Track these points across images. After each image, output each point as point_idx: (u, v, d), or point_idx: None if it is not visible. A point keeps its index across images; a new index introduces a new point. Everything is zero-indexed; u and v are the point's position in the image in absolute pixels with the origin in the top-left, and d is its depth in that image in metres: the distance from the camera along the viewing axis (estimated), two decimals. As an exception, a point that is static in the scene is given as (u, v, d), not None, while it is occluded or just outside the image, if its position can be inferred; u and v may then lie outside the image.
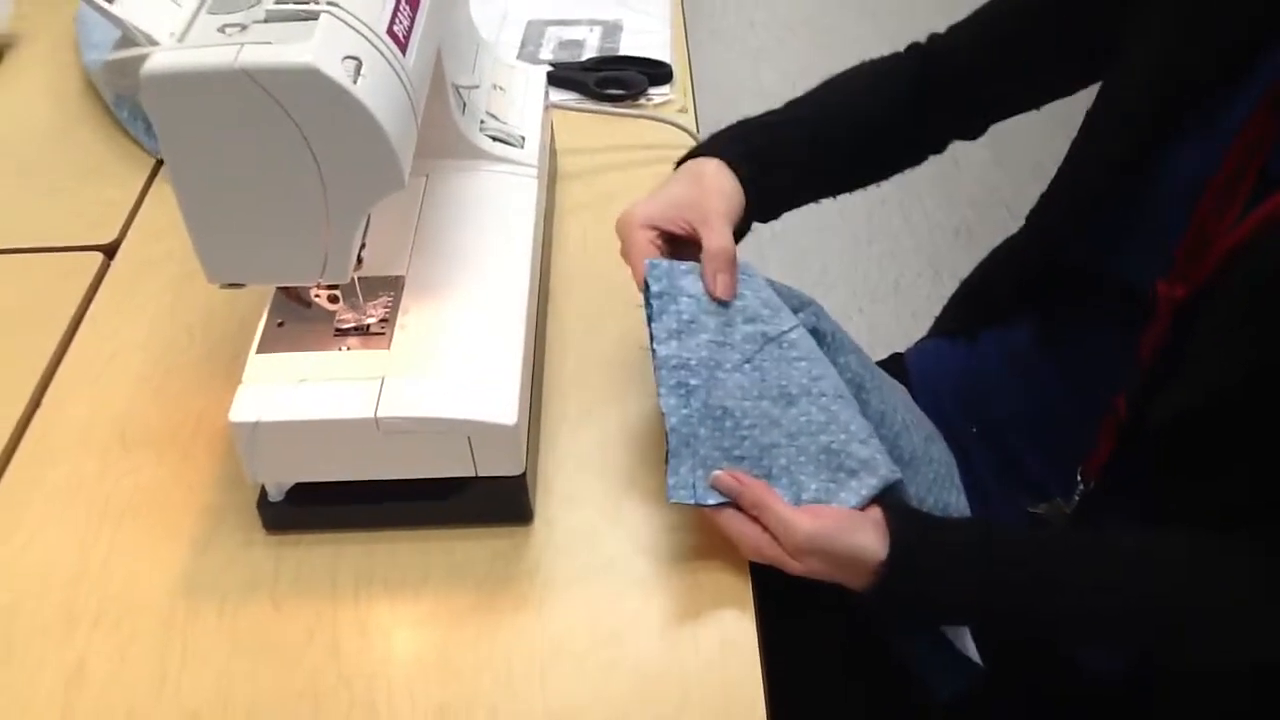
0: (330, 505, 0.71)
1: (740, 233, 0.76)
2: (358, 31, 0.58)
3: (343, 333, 0.71)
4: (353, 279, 0.69)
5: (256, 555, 0.71)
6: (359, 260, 0.68)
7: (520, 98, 0.92)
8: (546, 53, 1.15)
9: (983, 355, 0.97)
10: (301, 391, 0.67)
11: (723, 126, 0.81)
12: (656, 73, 1.10)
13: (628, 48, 1.15)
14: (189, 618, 0.68)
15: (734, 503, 0.68)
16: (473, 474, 0.69)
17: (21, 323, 0.88)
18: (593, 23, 1.19)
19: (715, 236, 0.71)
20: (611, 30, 1.18)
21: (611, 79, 1.09)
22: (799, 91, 0.85)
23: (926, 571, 0.67)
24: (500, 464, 0.69)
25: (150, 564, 0.71)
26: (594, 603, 0.69)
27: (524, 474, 0.70)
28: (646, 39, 1.16)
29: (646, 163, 1.02)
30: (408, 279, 0.74)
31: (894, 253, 2.30)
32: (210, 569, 0.71)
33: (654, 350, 0.69)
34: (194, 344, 0.86)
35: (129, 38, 0.57)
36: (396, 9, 0.63)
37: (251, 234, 0.61)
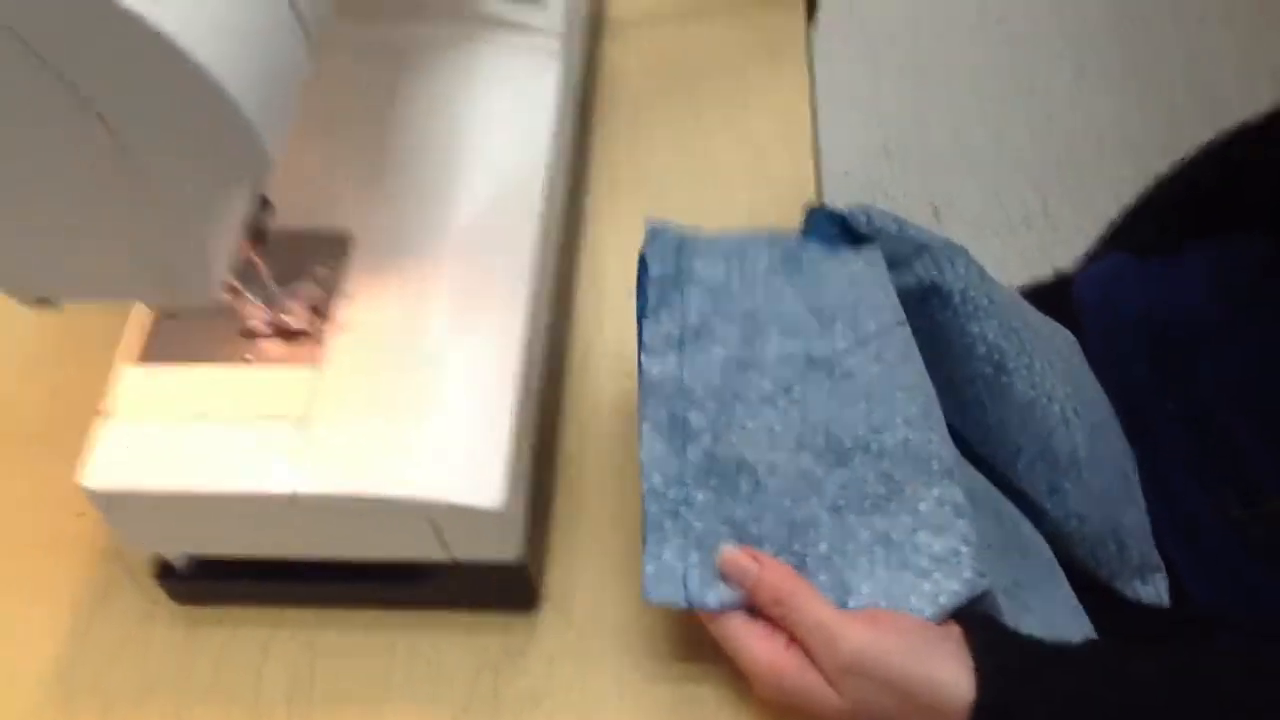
0: (253, 580, 0.49)
1: None
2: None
3: (253, 332, 0.47)
4: (258, 256, 0.45)
5: (158, 638, 0.50)
6: (264, 208, 0.43)
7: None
8: None
9: (1188, 280, 0.69)
10: (186, 440, 0.44)
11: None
12: None
13: None
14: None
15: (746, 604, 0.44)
16: (446, 559, 0.46)
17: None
18: None
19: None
20: None
21: None
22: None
23: None
24: (485, 549, 0.46)
25: (10, 641, 0.51)
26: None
27: (523, 559, 0.47)
28: None
29: (723, 5, 0.72)
30: (357, 237, 0.50)
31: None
32: (93, 657, 0.50)
33: (641, 366, 0.45)
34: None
35: None
36: None
37: (41, 235, 0.37)
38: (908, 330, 0.48)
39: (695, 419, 0.45)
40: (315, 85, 0.51)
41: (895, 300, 0.49)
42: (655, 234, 0.46)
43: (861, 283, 0.48)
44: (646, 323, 0.46)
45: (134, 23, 0.29)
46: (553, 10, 0.59)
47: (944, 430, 0.46)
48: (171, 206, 0.35)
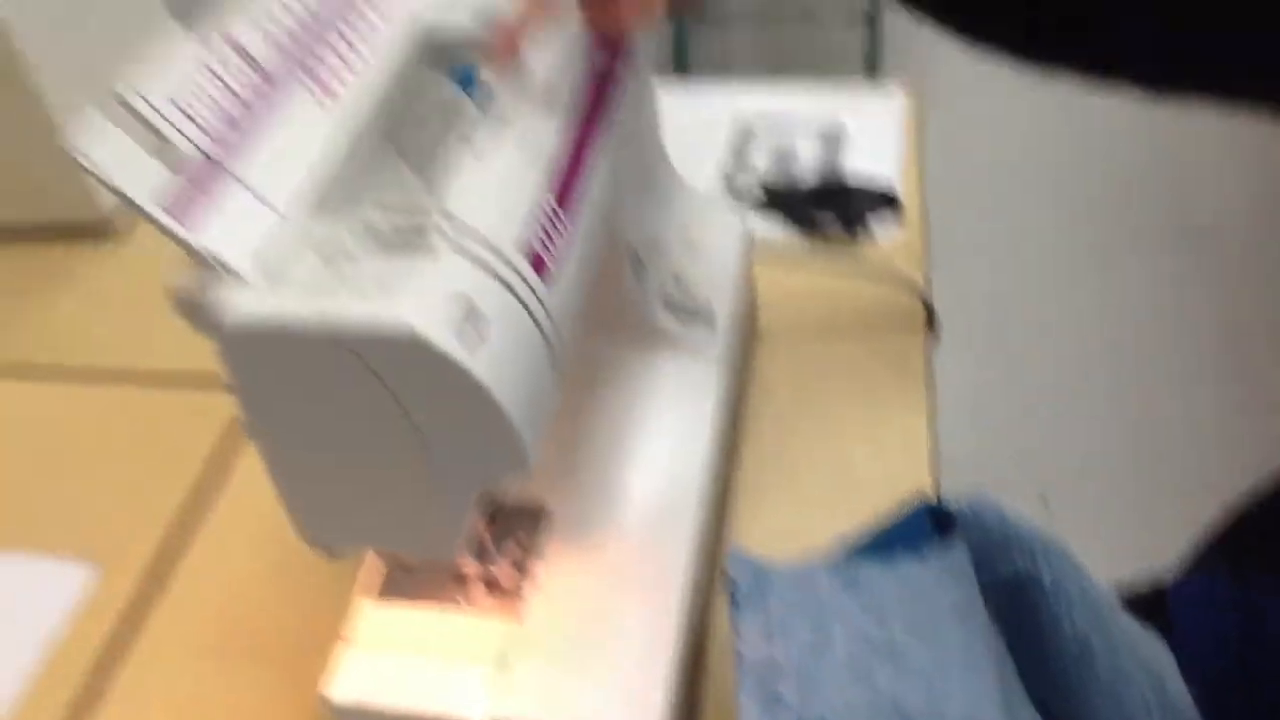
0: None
1: None
2: (478, 261, 0.45)
3: (464, 579, 0.58)
4: (484, 523, 0.56)
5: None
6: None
7: (715, 253, 0.77)
8: (756, 164, 0.99)
9: (1269, 609, 0.75)
10: (411, 668, 0.55)
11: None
12: (882, 203, 0.93)
13: (853, 160, 0.98)
14: None
15: None
16: (607, 790, 0.55)
17: (149, 464, 0.80)
18: (812, 129, 1.03)
19: None
20: (833, 140, 1.01)
21: (827, 206, 0.93)
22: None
23: None
24: (640, 785, 0.54)
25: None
26: None
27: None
28: (873, 153, 0.99)
29: (858, 327, 0.85)
30: (552, 511, 0.61)
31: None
32: None
33: (738, 649, 0.54)
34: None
35: (204, 265, 0.45)
36: (542, 208, 0.49)
37: (342, 499, 0.49)
38: (974, 619, 0.56)
39: (785, 693, 0.53)
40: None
41: (966, 591, 0.57)
42: (736, 559, 0.57)
43: (914, 584, 0.57)
44: (737, 618, 0.55)
45: (455, 367, 0.41)
46: (719, 331, 0.71)
47: (1004, 701, 0.54)
48: (449, 489, 0.46)
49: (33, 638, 0.70)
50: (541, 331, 0.46)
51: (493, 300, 0.44)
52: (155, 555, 0.74)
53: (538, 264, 0.47)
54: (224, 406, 0.82)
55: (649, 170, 0.72)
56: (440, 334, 0.41)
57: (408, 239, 0.45)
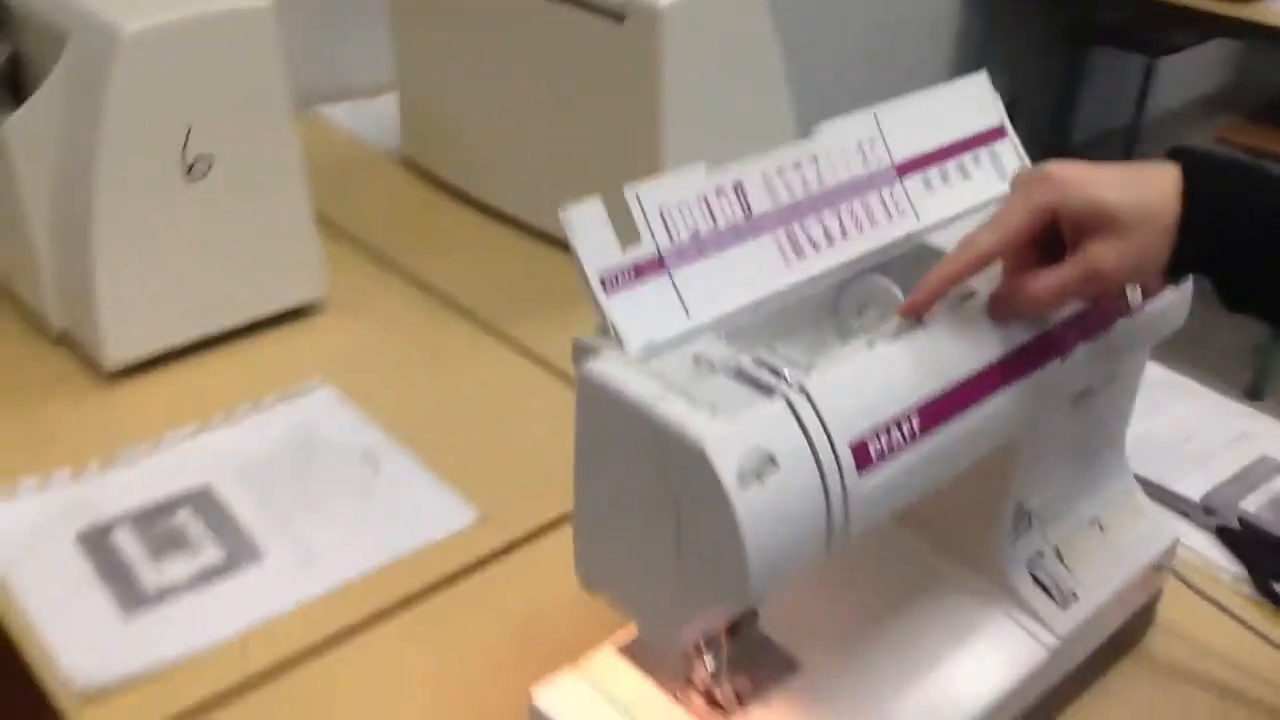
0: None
1: None
2: (802, 429, 0.50)
3: (691, 681, 0.63)
4: (727, 638, 0.61)
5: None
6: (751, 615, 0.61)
7: (1121, 550, 0.73)
8: (1250, 503, 0.91)
9: None
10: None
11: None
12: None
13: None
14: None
15: None
16: None
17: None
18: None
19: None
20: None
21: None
22: None
23: None
24: None
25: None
26: None
27: None
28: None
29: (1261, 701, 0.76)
30: (804, 667, 0.64)
31: None
32: None
33: None
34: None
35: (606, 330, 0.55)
36: (898, 418, 0.53)
37: (608, 550, 0.57)
38: None
39: None
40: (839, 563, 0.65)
41: None
42: None
43: None
44: None
45: (723, 494, 0.47)
46: (1069, 616, 0.68)
47: None
48: (686, 588, 0.52)
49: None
50: (829, 507, 0.50)
51: (795, 465, 0.49)
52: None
53: (863, 457, 0.51)
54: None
55: (1093, 453, 0.72)
56: (725, 465, 0.47)
57: (759, 382, 0.51)
